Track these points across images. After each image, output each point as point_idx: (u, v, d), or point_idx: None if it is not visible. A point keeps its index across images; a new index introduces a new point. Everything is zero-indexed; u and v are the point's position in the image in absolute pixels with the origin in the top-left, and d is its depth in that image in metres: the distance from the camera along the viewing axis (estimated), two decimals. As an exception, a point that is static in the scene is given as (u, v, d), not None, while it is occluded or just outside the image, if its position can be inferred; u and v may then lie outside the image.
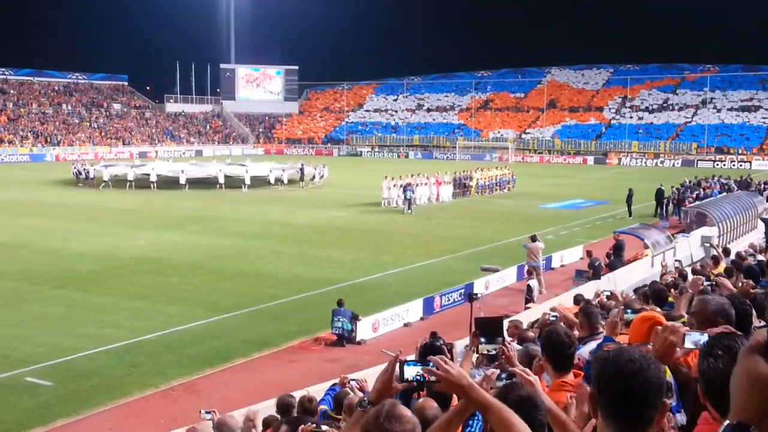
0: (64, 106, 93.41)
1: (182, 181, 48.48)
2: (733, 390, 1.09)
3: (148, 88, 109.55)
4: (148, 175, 49.65)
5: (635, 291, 15.96)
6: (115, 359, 15.57)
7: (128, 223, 33.42)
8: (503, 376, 3.81)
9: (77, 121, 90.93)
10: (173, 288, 21.69)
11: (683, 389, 3.66)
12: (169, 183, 48.80)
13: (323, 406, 8.44)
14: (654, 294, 12.01)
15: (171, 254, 26.56)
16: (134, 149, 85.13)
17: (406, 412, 2.94)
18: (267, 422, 8.67)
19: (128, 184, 48.68)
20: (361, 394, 7.45)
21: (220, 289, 21.57)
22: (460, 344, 13.44)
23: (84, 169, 52.29)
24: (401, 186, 40.41)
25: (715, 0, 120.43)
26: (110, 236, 29.95)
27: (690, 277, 14.72)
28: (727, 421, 1.05)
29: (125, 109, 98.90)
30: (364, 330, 17.50)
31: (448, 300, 20.22)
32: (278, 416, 8.41)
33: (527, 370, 3.76)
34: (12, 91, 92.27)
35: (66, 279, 22.58)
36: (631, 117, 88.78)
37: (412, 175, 42.21)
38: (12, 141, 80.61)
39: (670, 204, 37.18)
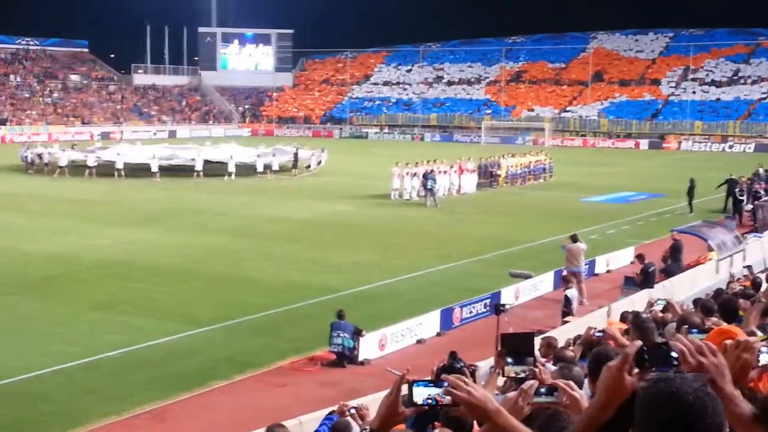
0: (12, 77, 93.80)
1: (154, 168, 48.48)
2: None
3: (112, 56, 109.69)
4: (113, 161, 49.75)
5: (695, 302, 15.90)
6: (71, 381, 15.61)
7: (90, 219, 33.53)
8: (542, 390, 3.78)
9: (27, 96, 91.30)
10: (142, 296, 21.68)
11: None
12: (137, 170, 48.77)
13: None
14: (722, 306, 11.91)
15: (140, 256, 26.57)
16: (96, 129, 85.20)
17: None
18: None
19: (88, 171, 48.82)
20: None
21: (199, 297, 21.57)
22: (485, 365, 13.45)
23: (36, 153, 52.40)
24: (414, 174, 40.43)
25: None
26: (69, 234, 30.02)
27: (764, 285, 14.68)
28: None
29: (85, 81, 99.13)
30: (368, 348, 17.46)
31: (470, 312, 20.18)
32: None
33: (572, 383, 3.73)
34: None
35: (16, 285, 22.64)
36: (694, 92, 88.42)
37: (428, 162, 42.22)
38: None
39: (742, 198, 36.54)
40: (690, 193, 37.06)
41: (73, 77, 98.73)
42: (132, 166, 49.28)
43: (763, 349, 3.53)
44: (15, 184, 46.12)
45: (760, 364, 3.51)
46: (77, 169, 49.63)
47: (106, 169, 48.89)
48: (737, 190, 36.26)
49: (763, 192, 36.45)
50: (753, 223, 33.01)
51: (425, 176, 39.44)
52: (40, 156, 51.84)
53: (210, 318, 19.47)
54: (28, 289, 22.14)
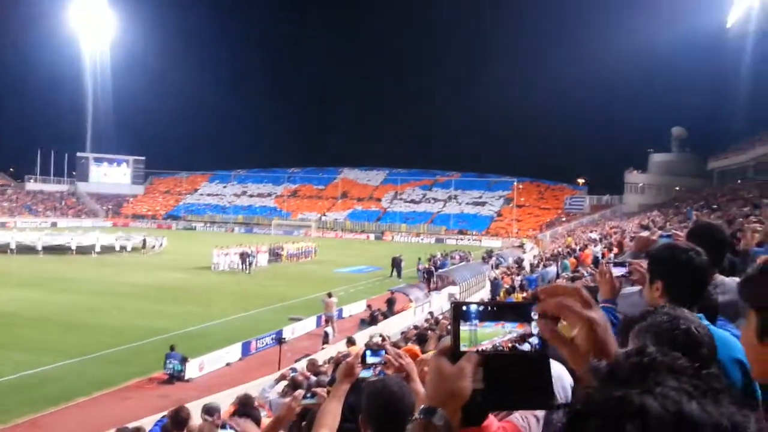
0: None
1: (38, 247, 43.66)
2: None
3: (11, 169, 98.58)
4: (8, 242, 44.28)
5: (402, 333, 16.42)
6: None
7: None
8: (308, 395, 3.70)
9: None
10: (24, 338, 19.18)
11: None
12: (26, 249, 43.69)
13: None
14: (419, 336, 12.49)
15: (24, 309, 23.57)
16: (-5, 220, 75.60)
17: None
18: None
19: (-14, 249, 43.15)
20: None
21: (67, 338, 19.34)
22: (270, 379, 13.00)
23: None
24: (227, 253, 39.48)
25: (455, 129, 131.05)
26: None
27: (440, 322, 15.44)
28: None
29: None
30: (192, 370, 16.49)
31: (263, 343, 19.63)
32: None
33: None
34: None
35: None
36: (401, 206, 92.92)
37: (240, 245, 41.48)
38: None
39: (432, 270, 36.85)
40: (396, 265, 38.63)
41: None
42: (21, 245, 44.10)
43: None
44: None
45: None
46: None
47: (2, 248, 43.43)
48: (431, 263, 37.46)
49: (434, 268, 36.67)
50: (435, 285, 34.45)
51: (245, 254, 38.72)
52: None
53: (75, 353, 17.54)
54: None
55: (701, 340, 1.89)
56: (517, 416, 2.04)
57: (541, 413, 2.09)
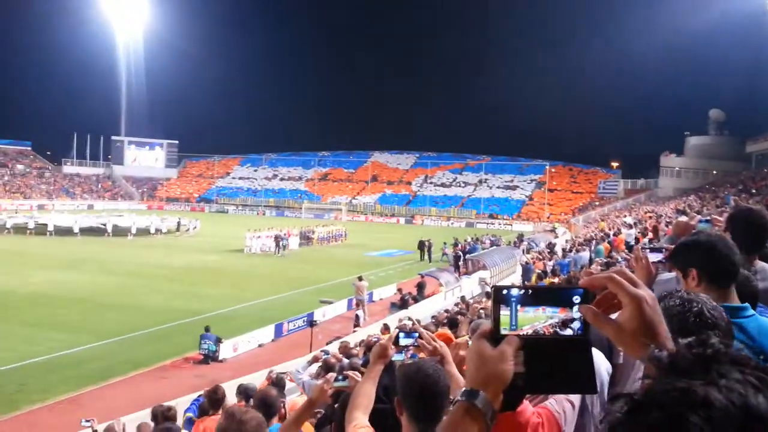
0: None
1: (76, 229, 44.73)
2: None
3: (48, 152, 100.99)
4: (46, 224, 45.47)
5: (432, 317, 16.46)
6: (7, 378, 13.93)
7: (26, 265, 30.32)
8: (339, 378, 3.71)
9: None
10: (62, 318, 19.74)
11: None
12: (64, 231, 44.83)
13: (189, 414, 7.95)
14: (450, 320, 12.53)
15: (62, 290, 24.21)
16: (34, 202, 77.72)
17: (253, 411, 2.92)
18: (140, 428, 8.07)
19: (28, 231, 44.35)
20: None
21: (104, 318, 19.87)
22: (302, 360, 13.17)
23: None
24: (259, 236, 39.94)
25: (485, 113, 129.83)
26: (8, 275, 26.96)
27: (471, 306, 15.42)
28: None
29: (27, 170, 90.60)
30: (226, 350, 16.81)
31: (294, 326, 19.88)
32: (150, 423, 7.85)
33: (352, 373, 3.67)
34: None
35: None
36: (431, 190, 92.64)
37: (271, 228, 41.84)
38: None
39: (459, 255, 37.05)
40: (427, 249, 38.57)
41: (19, 166, 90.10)
42: (59, 227, 45.24)
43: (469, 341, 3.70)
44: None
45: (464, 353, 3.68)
46: (19, 230, 45.01)
47: (41, 230, 44.65)
48: (458, 248, 37.32)
49: (462, 253, 36.50)
50: (465, 270, 34.38)
51: (278, 237, 39.05)
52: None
53: (113, 333, 18.01)
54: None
55: (714, 323, 1.86)
56: (552, 402, 2.03)
57: (576, 400, 2.08)
